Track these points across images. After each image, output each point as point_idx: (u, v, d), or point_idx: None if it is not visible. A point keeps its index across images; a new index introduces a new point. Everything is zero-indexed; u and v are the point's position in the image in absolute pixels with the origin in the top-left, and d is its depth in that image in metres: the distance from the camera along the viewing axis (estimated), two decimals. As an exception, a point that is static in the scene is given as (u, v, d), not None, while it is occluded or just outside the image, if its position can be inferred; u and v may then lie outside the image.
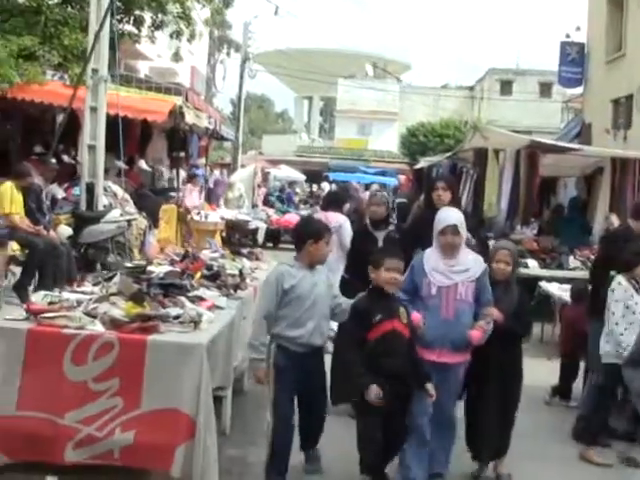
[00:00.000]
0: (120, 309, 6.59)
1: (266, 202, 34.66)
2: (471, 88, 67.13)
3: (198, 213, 21.01)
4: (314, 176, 53.51)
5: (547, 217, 20.36)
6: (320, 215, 13.47)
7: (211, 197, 27.04)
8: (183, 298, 7.20)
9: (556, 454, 8.63)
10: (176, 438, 6.22)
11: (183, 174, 24.12)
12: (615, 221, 16.14)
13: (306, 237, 7.18)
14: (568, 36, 31.86)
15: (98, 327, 6.36)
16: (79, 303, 6.79)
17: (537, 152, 17.46)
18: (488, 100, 60.63)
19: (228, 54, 55.57)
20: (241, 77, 43.19)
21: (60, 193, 16.27)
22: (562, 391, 10.76)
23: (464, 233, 7.37)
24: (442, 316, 7.11)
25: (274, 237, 27.86)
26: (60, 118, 20.10)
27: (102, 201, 16.13)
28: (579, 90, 34.45)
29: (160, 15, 23.70)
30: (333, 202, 14.23)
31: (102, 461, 6.36)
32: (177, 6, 23.48)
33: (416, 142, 53.53)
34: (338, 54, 74.08)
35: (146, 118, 19.31)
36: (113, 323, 6.40)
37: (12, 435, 6.23)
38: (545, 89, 60.84)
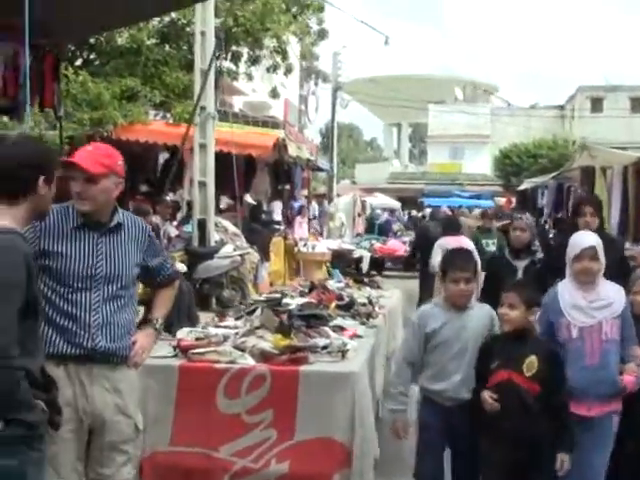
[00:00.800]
0: (268, 342, 6.70)
1: (367, 230, 34.79)
2: (561, 107, 66.57)
3: (305, 244, 21.16)
4: (409, 202, 53.49)
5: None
6: (442, 241, 13.27)
7: (312, 228, 27.24)
8: (327, 328, 7.29)
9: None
10: (331, 467, 6.28)
11: (281, 206, 24.35)
12: None
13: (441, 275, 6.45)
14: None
15: (249, 360, 6.47)
16: (226, 338, 6.92)
17: (645, 168, 17.32)
18: (579, 118, 60.05)
19: (316, 84, 56.11)
20: (333, 107, 43.48)
21: (174, 231, 16.56)
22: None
23: (603, 259, 6.23)
24: (587, 362, 6.03)
25: (378, 265, 27.88)
26: (162, 156, 20.53)
27: (214, 237, 16.40)
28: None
29: (256, 50, 24.07)
30: (451, 226, 14.04)
31: (258, 493, 6.47)
32: (274, 40, 23.82)
33: (510, 163, 53.21)
34: (425, 80, 74.15)
35: (251, 153, 19.58)
36: (263, 356, 6.50)
37: (168, 470, 6.31)
38: (636, 104, 60.15)
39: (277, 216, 24.37)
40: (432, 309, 6.34)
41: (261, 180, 23.05)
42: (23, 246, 3.94)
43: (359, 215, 34.47)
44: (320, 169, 32.44)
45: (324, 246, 21.30)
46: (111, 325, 5.00)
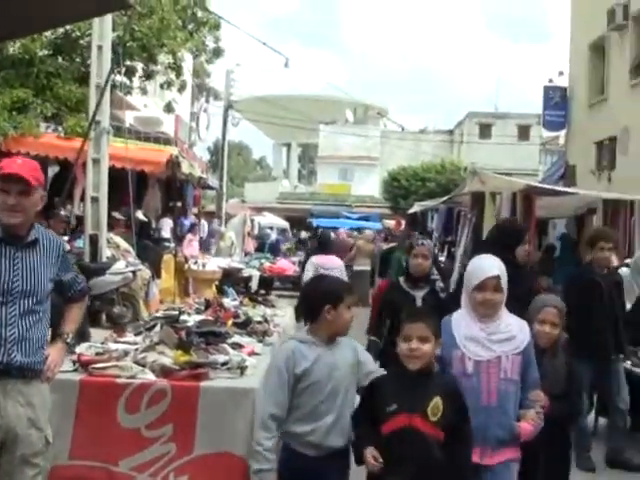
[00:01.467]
0: (168, 357, 6.77)
1: (257, 249, 34.93)
2: (451, 132, 67.83)
3: (195, 262, 21.13)
4: (297, 222, 53.75)
5: (539, 257, 20.66)
6: (315, 260, 13.47)
7: (202, 246, 27.22)
8: (225, 345, 7.38)
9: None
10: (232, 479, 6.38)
11: (170, 223, 24.28)
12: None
13: (322, 302, 5.46)
14: (551, 80, 32.56)
15: (149, 376, 6.53)
16: (126, 353, 6.96)
17: (532, 195, 17.82)
18: (468, 143, 61.23)
19: (207, 101, 55.93)
20: (224, 125, 43.37)
21: (66, 246, 16.37)
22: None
23: (505, 289, 5.61)
24: (483, 401, 5.44)
25: (267, 284, 27.95)
26: (52, 170, 20.25)
27: (105, 253, 16.27)
28: (556, 133, 35.18)
29: (150, 65, 23.98)
30: (326, 245, 14.14)
31: (156, 507, 6.52)
32: (169, 57, 23.77)
33: (398, 186, 53.83)
34: (317, 100, 74.45)
35: (144, 169, 19.48)
36: (163, 371, 6.57)
37: None
38: (523, 132, 61.63)
39: (166, 233, 24.28)
40: (299, 346, 5.44)
41: (152, 196, 22.98)
42: None
43: (249, 234, 34.51)
44: (210, 187, 32.45)
45: (214, 264, 21.29)
46: (26, 340, 5.07)
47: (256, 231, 40.83)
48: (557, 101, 31.64)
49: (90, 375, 6.58)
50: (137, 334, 7.86)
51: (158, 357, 6.75)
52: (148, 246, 19.23)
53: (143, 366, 6.65)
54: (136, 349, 7.06)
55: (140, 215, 21.23)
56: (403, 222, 31.77)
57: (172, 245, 22.16)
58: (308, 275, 10.03)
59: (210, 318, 8.71)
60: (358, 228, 37.66)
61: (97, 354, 6.86)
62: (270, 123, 63.22)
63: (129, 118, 34.79)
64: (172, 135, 30.30)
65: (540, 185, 21.30)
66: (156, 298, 17.54)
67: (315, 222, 50.59)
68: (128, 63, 23.17)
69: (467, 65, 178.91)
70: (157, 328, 7.79)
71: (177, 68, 24.38)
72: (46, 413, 5.33)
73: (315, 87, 75.61)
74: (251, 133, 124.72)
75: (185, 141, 38.72)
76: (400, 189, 53.72)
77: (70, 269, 5.57)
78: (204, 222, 32.15)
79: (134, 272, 16.06)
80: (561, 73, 33.00)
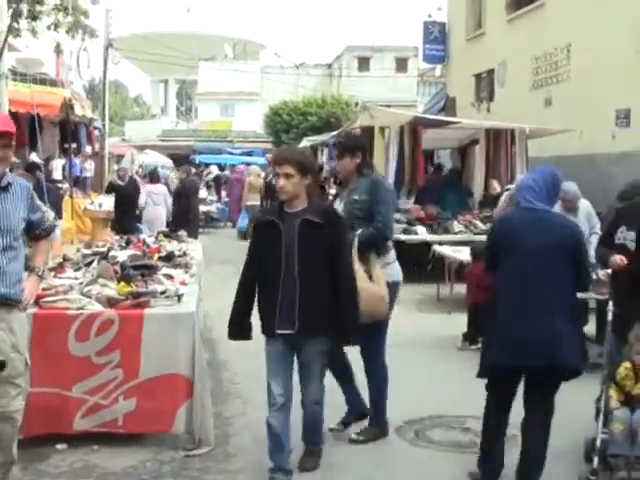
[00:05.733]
0: (112, 289, 7.35)
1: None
2: (329, 66, 68.29)
3: (91, 203, 21.43)
4: (181, 159, 53.79)
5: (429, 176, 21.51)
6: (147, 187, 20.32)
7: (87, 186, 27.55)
8: (159, 276, 7.98)
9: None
10: (177, 400, 7.06)
11: (60, 164, 24.45)
12: (497, 186, 17.47)
13: None
14: (430, 16, 33.36)
15: (97, 306, 7.10)
16: (71, 287, 7.50)
17: (419, 127, 18.65)
18: (347, 77, 61.82)
19: (83, 39, 55.05)
20: (105, 64, 42.99)
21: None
22: (472, 336, 11.81)
23: None
24: None
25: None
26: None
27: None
28: (436, 65, 36.16)
29: (37, 6, 23.89)
30: (153, 177, 21.13)
31: (107, 429, 7.18)
32: (55, -3, 23.76)
33: (280, 121, 54.07)
34: (195, 37, 74.07)
35: (39, 112, 19.64)
36: (109, 302, 7.15)
37: (28, 409, 6.45)
38: (401, 64, 62.43)
39: (57, 174, 24.46)
40: None
41: (47, 139, 23.12)
42: None
43: (137, 172, 34.67)
44: (94, 127, 32.51)
45: (110, 204, 21.60)
46: (7, 273, 5.61)
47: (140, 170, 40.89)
48: (436, 36, 32.39)
49: (41, 308, 7.09)
50: (76, 270, 8.41)
51: (102, 289, 7.33)
52: (49, 188, 19.45)
53: (89, 298, 7.21)
54: (80, 283, 7.62)
55: (34, 157, 21.39)
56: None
57: (65, 186, 22.38)
58: (142, 198, 17.65)
59: (139, 253, 9.30)
60: (247, 163, 37.98)
61: (44, 289, 7.36)
62: (147, 60, 62.78)
63: (10, 60, 34.49)
64: (54, 76, 30.20)
65: (427, 116, 22.19)
66: (59, 239, 17.85)
67: (198, 159, 50.76)
68: (14, 6, 23.07)
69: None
70: (94, 264, 8.35)
71: (64, 9, 24.36)
72: (25, 339, 5.92)
73: (193, 24, 74.90)
74: (127, 71, 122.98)
75: (69, 82, 38.43)
76: (282, 124, 53.94)
77: (37, 209, 6.10)
78: (92, 162, 32.26)
79: (39, 214, 16.31)
80: (440, 8, 33.87)
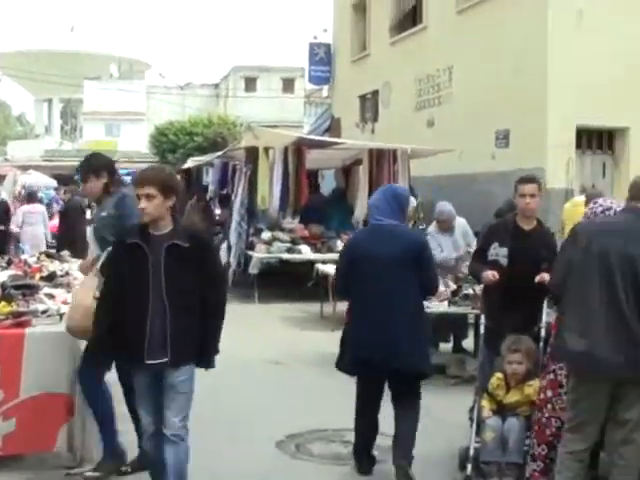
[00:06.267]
0: (-8, 308, 7.35)
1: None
2: (216, 85, 68.31)
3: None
4: (65, 180, 53.06)
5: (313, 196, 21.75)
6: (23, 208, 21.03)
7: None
8: (41, 296, 8.01)
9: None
10: (58, 419, 7.07)
11: None
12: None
13: None
14: (315, 37, 33.85)
15: (-25, 325, 7.10)
16: (-50, 305, 7.48)
17: (303, 148, 18.91)
18: (233, 97, 61.95)
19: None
20: (-14, 83, 42.47)
21: None
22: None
23: None
24: None
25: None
26: None
27: None
28: (321, 87, 36.61)
29: None
30: (32, 197, 21.55)
31: (-14, 452, 7.10)
32: None
33: (166, 141, 53.78)
34: (80, 56, 73.43)
35: None
36: (-11, 321, 7.16)
37: None
38: (288, 85, 62.83)
39: None
40: None
41: None
42: None
43: (19, 194, 34.19)
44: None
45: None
46: None
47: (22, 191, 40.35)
48: (322, 57, 32.87)
49: None
50: (-44, 289, 8.37)
51: (-19, 308, 7.33)
52: None
53: (-32, 317, 7.20)
54: (-41, 301, 7.60)
55: None
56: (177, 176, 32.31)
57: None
58: (17, 219, 18.94)
59: (20, 273, 9.30)
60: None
61: None
62: (31, 79, 62.16)
63: None
64: None
65: (310, 137, 22.54)
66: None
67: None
68: None
69: (233, 19, 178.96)
70: (-26, 283, 8.32)
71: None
72: None
73: (78, 42, 74.24)
74: (10, 89, 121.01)
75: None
76: (168, 144, 53.62)
77: None
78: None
79: None
80: (325, 30, 34.34)
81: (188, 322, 5.99)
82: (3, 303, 7.46)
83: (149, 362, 5.93)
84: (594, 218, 6.78)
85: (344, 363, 7.52)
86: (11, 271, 9.61)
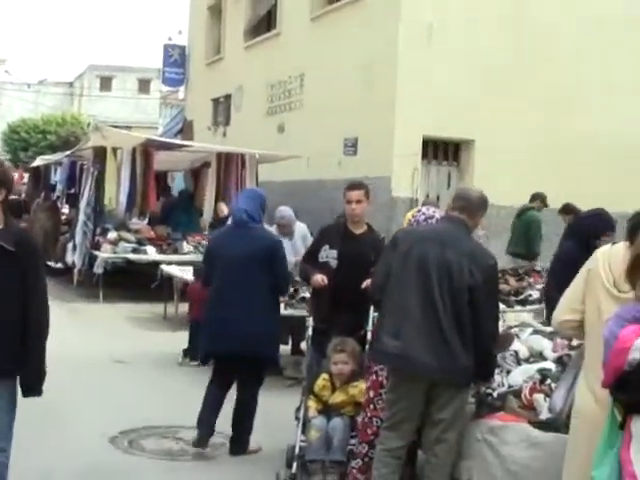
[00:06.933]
0: None
1: None
2: (71, 84, 67.39)
3: None
4: None
5: (159, 207, 21.75)
6: None
7: None
8: None
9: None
10: None
11: None
12: (224, 209, 17.95)
13: None
14: (170, 39, 33.77)
15: None
16: None
17: (151, 149, 18.92)
18: (88, 96, 61.24)
19: None
20: None
21: None
22: (191, 352, 12.11)
23: None
24: None
25: None
26: None
27: None
28: (175, 88, 36.55)
29: None
30: None
31: None
32: None
33: (18, 139, 52.97)
34: None
35: None
36: None
37: None
38: (144, 85, 62.47)
39: None
40: None
41: None
42: None
43: None
44: None
45: None
46: None
47: None
48: (176, 59, 32.85)
49: None
50: None
51: None
52: None
53: None
54: None
55: None
56: (25, 175, 31.78)
57: None
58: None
59: None
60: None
61: None
62: None
63: None
64: None
65: (159, 139, 22.53)
66: None
67: None
68: None
69: (90, 17, 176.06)
70: None
71: None
72: None
73: None
74: None
75: None
76: (20, 141, 52.88)
77: None
78: None
79: None
80: (180, 32, 34.31)
81: (7, 335, 5.39)
82: None
83: None
84: (416, 226, 7.05)
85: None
86: None
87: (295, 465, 7.15)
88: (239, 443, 8.08)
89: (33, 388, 5.52)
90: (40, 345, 5.52)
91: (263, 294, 7.99)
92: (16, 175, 35.97)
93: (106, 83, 63.07)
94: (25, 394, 5.53)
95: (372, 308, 7.41)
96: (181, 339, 12.68)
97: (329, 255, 8.15)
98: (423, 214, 7.13)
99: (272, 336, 8.22)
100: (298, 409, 7.64)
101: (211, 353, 8.38)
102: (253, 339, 7.85)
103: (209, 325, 8.21)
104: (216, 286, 8.19)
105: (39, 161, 26.49)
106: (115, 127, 24.30)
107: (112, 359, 12.28)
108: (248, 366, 8.07)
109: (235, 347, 7.91)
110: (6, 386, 5.47)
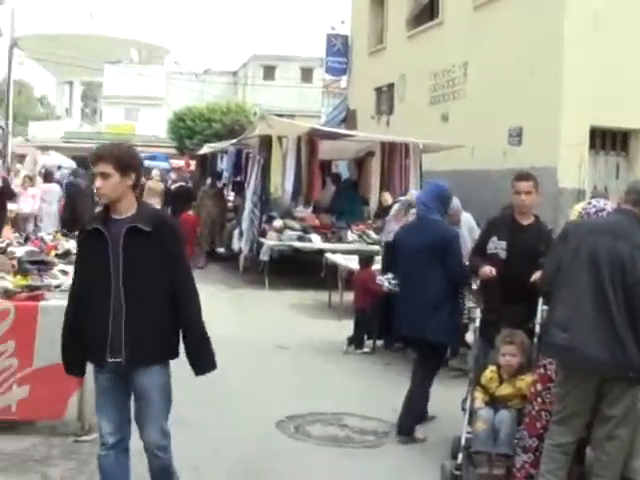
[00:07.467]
0: (9, 282, 7.66)
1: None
2: (235, 73, 68.45)
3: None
4: (84, 162, 53.36)
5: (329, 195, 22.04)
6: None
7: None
8: (55, 271, 8.32)
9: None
10: (69, 388, 7.37)
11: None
12: (389, 198, 18.03)
13: None
14: (333, 28, 34.02)
15: (-7, 297, 7.40)
16: (-31, 279, 7.81)
17: (315, 138, 19.17)
18: (252, 85, 62.10)
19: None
20: (9, 64, 42.73)
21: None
22: (356, 341, 12.36)
23: None
24: None
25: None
26: None
27: None
28: (338, 78, 36.78)
29: None
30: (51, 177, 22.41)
31: (0, 416, 7.49)
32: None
33: (184, 126, 53.97)
34: (101, 39, 73.54)
35: None
36: (6, 294, 7.47)
37: None
38: (306, 74, 62.93)
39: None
40: None
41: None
42: None
43: (39, 174, 34.56)
44: (-3, 126, 32.37)
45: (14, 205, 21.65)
46: None
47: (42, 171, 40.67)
48: (339, 48, 33.07)
49: (-63, 297, 7.37)
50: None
51: (-1, 281, 7.66)
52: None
53: (-15, 290, 7.53)
54: (-23, 275, 7.93)
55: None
56: (192, 162, 32.59)
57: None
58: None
59: (36, 249, 9.64)
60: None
61: (-59, 279, 7.67)
62: (53, 61, 62.40)
63: None
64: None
65: (323, 128, 22.80)
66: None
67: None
68: None
69: (253, 8, 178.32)
70: (-8, 257, 8.67)
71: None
72: None
73: (99, 26, 74.18)
74: (32, 71, 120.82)
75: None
76: (186, 129, 53.81)
77: None
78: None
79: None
80: (343, 22, 34.57)
81: (149, 317, 5.39)
82: (19, 277, 7.81)
83: (110, 360, 5.40)
84: (586, 218, 7.01)
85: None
86: (28, 247, 9.95)
87: (461, 456, 7.14)
88: (403, 423, 8.36)
89: (209, 363, 5.54)
90: (198, 320, 5.52)
91: (438, 284, 8.24)
92: (182, 162, 37.01)
93: (269, 72, 63.80)
94: (201, 371, 5.54)
95: (541, 301, 7.33)
96: (346, 327, 12.87)
97: (498, 246, 8.12)
98: (594, 207, 7.06)
99: (446, 325, 8.33)
100: (464, 400, 7.67)
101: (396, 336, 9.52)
102: (428, 326, 8.18)
103: (395, 310, 8.86)
104: (400, 275, 8.95)
105: (206, 149, 27.04)
106: (279, 116, 24.65)
107: (276, 345, 12.53)
108: (422, 352, 8.55)
109: (411, 332, 8.46)
110: (157, 373, 5.46)
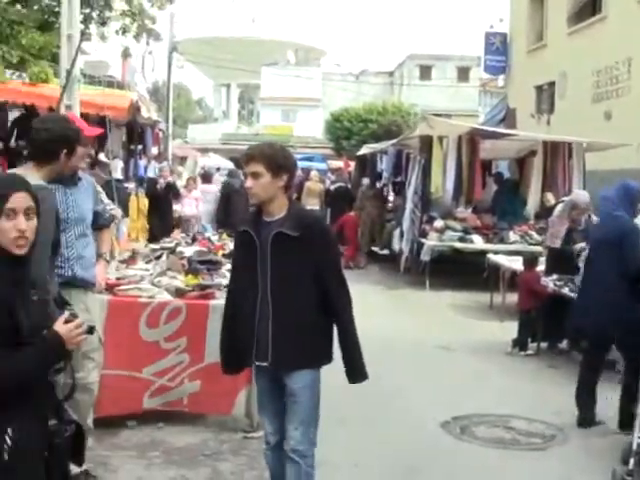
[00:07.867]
0: (180, 281, 7.87)
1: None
2: (391, 73, 68.53)
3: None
4: (241, 163, 54.17)
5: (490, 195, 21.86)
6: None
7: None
8: (224, 271, 8.50)
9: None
10: (238, 385, 7.52)
11: (121, 164, 25.06)
12: (551, 199, 17.75)
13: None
14: (492, 27, 33.71)
15: (166, 295, 7.64)
16: (142, 277, 8.05)
17: (477, 138, 19.02)
18: (408, 85, 62.04)
19: (148, 43, 55.68)
20: (169, 67, 43.71)
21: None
22: (521, 343, 12.20)
23: None
24: None
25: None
26: (12, 115, 20.87)
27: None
28: (496, 76, 36.47)
29: (106, 12, 24.59)
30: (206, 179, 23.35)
31: (173, 407, 7.78)
32: (123, 3, 24.42)
33: (340, 127, 54.37)
34: (258, 42, 74.70)
35: (107, 114, 20.16)
36: (178, 292, 7.67)
37: (100, 389, 6.88)
38: (463, 73, 62.52)
39: (117, 174, 25.07)
40: None
41: (114, 140, 23.68)
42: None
43: (199, 175, 35.33)
44: (159, 129, 33.12)
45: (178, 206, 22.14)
46: (84, 258, 6.22)
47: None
48: (498, 46, 32.81)
49: (115, 296, 7.66)
50: (147, 262, 8.97)
51: (171, 281, 7.87)
52: (118, 187, 20.02)
53: (159, 288, 7.75)
54: (150, 274, 8.17)
55: (102, 157, 21.98)
56: (351, 163, 32.80)
57: (131, 185, 22.96)
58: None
59: (204, 249, 9.86)
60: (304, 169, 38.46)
61: (117, 278, 7.92)
62: (211, 65, 63.60)
63: (80, 63, 35.27)
64: (120, 79, 30.97)
65: (484, 128, 22.59)
66: (125, 236, 18.43)
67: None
68: (85, 11, 23.74)
69: (408, 7, 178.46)
70: (163, 257, 8.90)
71: (132, 14, 25.01)
72: (98, 317, 6.50)
73: (256, 30, 75.37)
74: (190, 74, 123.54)
75: (134, 84, 39.22)
76: (342, 130, 54.19)
77: (100, 202, 6.78)
78: (155, 163, 32.92)
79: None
80: (501, 20, 34.27)
81: (297, 322, 5.29)
82: (190, 276, 8.01)
83: (257, 363, 5.44)
84: None
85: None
86: (196, 247, 10.20)
87: (632, 461, 6.95)
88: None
89: (360, 372, 5.42)
90: (351, 330, 5.39)
91: (615, 278, 8.17)
92: (340, 163, 37.26)
93: (426, 72, 63.60)
94: (352, 380, 5.44)
95: None
96: (509, 329, 12.71)
97: None
98: None
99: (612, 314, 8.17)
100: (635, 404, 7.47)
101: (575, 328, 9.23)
102: (605, 324, 8.21)
103: (576, 303, 9.08)
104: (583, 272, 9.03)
105: (365, 149, 27.16)
106: (436, 116, 24.56)
107: (437, 346, 12.47)
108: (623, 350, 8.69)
109: (589, 329, 8.55)
110: (306, 377, 5.36)
